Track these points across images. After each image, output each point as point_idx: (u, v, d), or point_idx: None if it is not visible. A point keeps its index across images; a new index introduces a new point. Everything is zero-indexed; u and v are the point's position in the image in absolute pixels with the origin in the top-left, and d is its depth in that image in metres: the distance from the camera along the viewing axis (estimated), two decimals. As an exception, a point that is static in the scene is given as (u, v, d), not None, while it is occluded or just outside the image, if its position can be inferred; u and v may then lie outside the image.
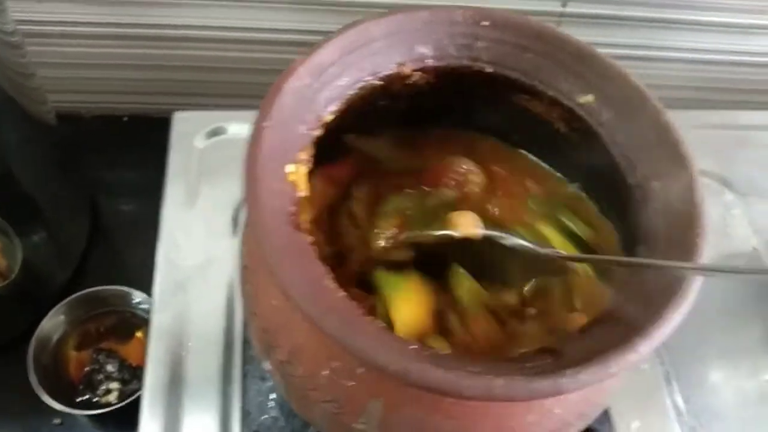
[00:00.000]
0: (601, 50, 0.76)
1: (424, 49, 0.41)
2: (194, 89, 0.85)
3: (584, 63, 0.40)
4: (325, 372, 0.34)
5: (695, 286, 0.32)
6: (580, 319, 0.38)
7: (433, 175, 0.44)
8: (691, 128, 0.69)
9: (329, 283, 0.32)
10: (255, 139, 0.34)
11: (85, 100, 0.88)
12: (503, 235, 0.38)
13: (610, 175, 0.40)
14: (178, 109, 0.70)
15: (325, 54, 0.38)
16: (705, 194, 0.65)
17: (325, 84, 0.38)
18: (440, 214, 0.40)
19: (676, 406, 0.53)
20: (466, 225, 0.38)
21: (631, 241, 0.38)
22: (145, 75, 0.84)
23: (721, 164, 0.67)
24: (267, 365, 0.39)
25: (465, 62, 0.42)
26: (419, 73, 0.41)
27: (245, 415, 0.49)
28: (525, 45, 0.41)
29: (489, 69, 0.42)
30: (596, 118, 0.40)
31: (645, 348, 0.30)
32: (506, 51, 0.41)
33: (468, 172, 0.44)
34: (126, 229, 0.83)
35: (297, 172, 0.35)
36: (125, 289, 0.70)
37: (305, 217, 0.35)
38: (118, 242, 0.82)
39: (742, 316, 0.59)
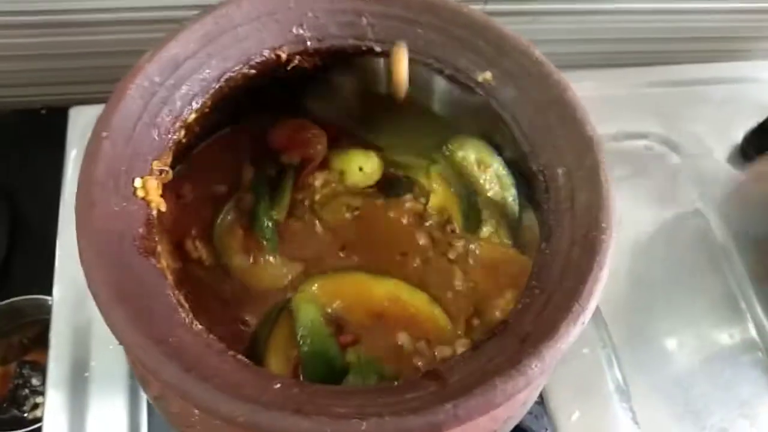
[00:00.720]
0: (537, 6, 0.72)
1: (301, 31, 0.36)
2: (111, 75, 0.79)
3: (480, 36, 0.35)
4: (196, 411, 0.30)
5: (596, 294, 0.28)
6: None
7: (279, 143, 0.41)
8: (633, 87, 0.66)
9: (181, 316, 0.28)
10: (90, 154, 0.29)
11: (-1, 94, 0.82)
12: None
13: (517, 162, 0.36)
14: (97, 99, 0.64)
15: (178, 46, 0.33)
16: (649, 160, 0.63)
17: (182, 80, 0.33)
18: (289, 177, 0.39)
19: (619, 390, 0.50)
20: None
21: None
22: (59, 64, 0.79)
23: (667, 125, 0.63)
24: (147, 398, 0.35)
25: (350, 42, 0.37)
26: (300, 56, 0.37)
27: (153, 438, 0.45)
28: (413, 19, 0.36)
29: (378, 48, 0.37)
30: (497, 97, 0.35)
31: (536, 370, 0.26)
32: (394, 26, 0.36)
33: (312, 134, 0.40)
34: (51, 229, 0.78)
35: (147, 186, 0.30)
36: (42, 297, 0.65)
37: (161, 237, 0.30)
38: (42, 244, 0.77)
39: (687, 287, 0.56)
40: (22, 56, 0.77)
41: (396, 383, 0.28)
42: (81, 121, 0.58)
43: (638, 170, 0.61)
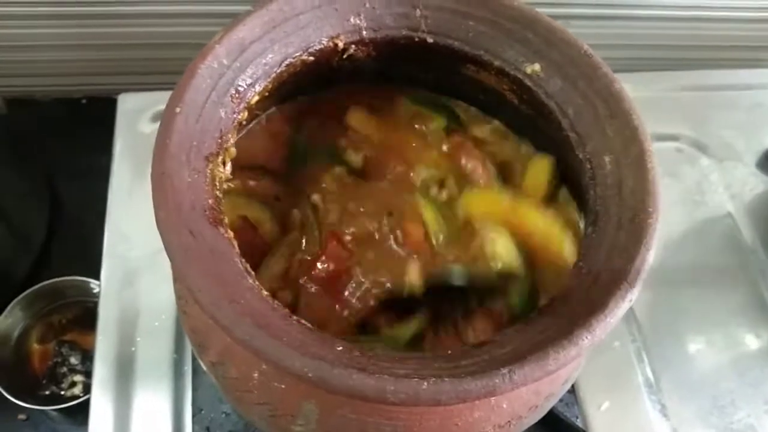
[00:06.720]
0: (570, 10, 0.73)
1: (358, 20, 0.38)
2: (153, 67, 0.82)
3: (529, 28, 0.37)
4: (256, 374, 0.32)
5: (643, 274, 0.29)
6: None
7: None
8: (665, 90, 0.67)
9: (249, 282, 0.29)
10: (164, 128, 0.31)
11: (40, 83, 0.84)
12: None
13: (564, 150, 0.37)
14: (137, 89, 0.66)
15: (245, 30, 0.35)
16: (680, 161, 0.64)
17: (248, 63, 0.35)
18: None
19: (648, 383, 0.51)
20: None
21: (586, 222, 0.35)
22: (101, 54, 0.81)
23: (697, 128, 0.64)
24: (202, 365, 0.37)
25: (404, 32, 0.38)
26: (355, 46, 0.38)
27: (197, 411, 0.47)
28: (466, 12, 0.38)
29: (431, 39, 0.39)
30: (544, 88, 0.37)
31: (587, 342, 0.27)
32: (447, 19, 0.38)
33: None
34: (89, 214, 0.80)
35: (216, 161, 0.32)
36: (83, 279, 0.67)
37: (228, 208, 0.32)
38: (81, 229, 0.80)
39: (716, 288, 0.57)
40: (64, 46, 0.79)
41: (449, 352, 0.29)
42: (128, 107, 0.60)
43: (669, 171, 0.62)
